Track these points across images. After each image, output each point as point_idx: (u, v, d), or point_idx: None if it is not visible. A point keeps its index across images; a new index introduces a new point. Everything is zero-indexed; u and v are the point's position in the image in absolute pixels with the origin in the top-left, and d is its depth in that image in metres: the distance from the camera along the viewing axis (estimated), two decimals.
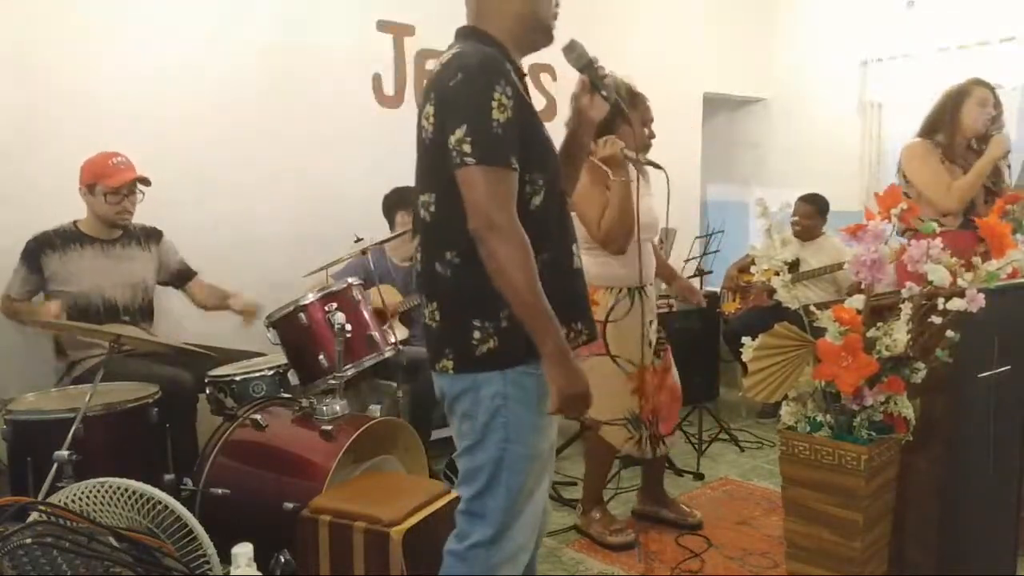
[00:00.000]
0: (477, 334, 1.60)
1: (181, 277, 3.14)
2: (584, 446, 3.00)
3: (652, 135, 2.82)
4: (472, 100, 1.53)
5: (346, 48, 3.76)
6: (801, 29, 5.60)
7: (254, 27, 3.49)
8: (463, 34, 1.71)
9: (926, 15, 4.92)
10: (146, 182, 2.89)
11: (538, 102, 4.32)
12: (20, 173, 2.96)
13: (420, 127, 1.62)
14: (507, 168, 1.53)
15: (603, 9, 4.73)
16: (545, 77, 4.39)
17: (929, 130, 3.07)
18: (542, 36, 1.72)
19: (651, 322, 2.87)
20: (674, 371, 2.99)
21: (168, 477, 2.38)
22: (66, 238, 2.84)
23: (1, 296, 2.83)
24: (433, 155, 1.59)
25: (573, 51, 1.74)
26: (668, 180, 2.49)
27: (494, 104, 1.52)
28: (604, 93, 1.74)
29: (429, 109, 1.59)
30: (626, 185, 2.61)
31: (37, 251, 2.79)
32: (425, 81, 1.71)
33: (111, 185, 2.81)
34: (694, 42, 5.27)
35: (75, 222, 2.89)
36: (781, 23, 5.70)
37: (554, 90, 4.41)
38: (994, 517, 2.35)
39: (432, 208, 1.63)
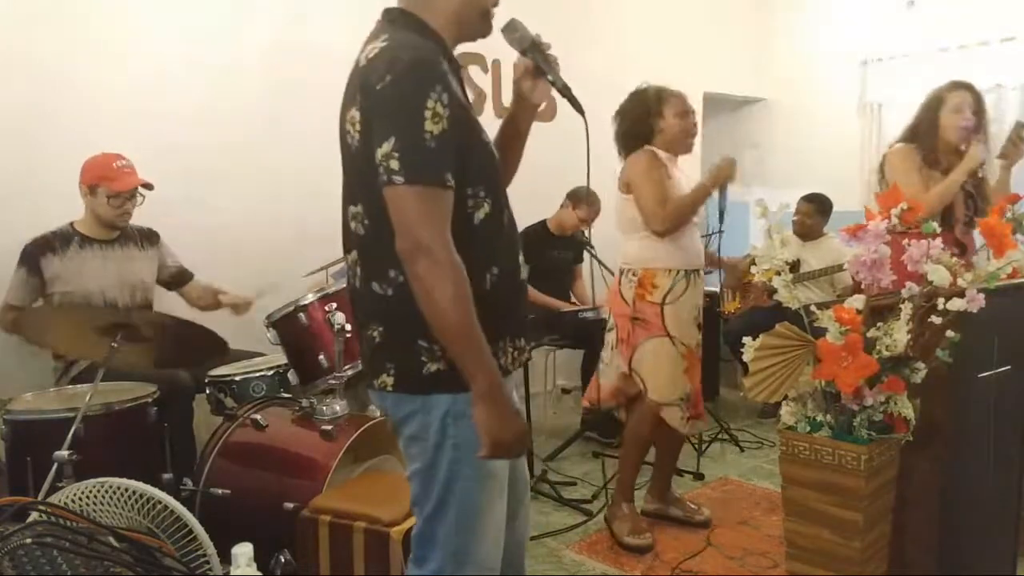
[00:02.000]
0: (425, 355, 1.46)
1: (179, 279, 3.14)
2: (625, 431, 2.99)
3: (694, 125, 2.90)
4: (402, 109, 1.35)
5: (346, 47, 3.74)
6: (801, 29, 5.60)
7: (255, 26, 3.50)
8: (392, 19, 1.51)
9: (926, 15, 4.92)
10: (148, 187, 2.90)
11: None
12: (20, 173, 2.96)
13: (344, 131, 1.47)
14: (440, 187, 1.36)
15: (603, 9, 4.73)
16: None
17: (911, 136, 3.06)
18: (483, 25, 1.55)
19: (700, 305, 2.93)
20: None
21: (166, 476, 2.38)
22: (65, 240, 2.84)
23: (1, 306, 2.81)
24: (360, 165, 1.43)
25: (515, 31, 1.57)
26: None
27: (427, 114, 1.34)
28: (550, 77, 1.57)
29: (355, 114, 1.42)
30: (708, 193, 2.79)
31: (36, 254, 2.79)
32: (349, 73, 1.52)
33: (115, 189, 2.81)
34: (694, 42, 5.27)
35: (72, 223, 2.88)
36: (781, 23, 5.70)
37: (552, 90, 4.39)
38: (994, 517, 2.34)
39: (366, 222, 1.48)
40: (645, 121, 2.84)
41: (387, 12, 1.53)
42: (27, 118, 2.98)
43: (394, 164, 1.34)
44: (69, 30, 3.06)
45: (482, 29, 1.56)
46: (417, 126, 1.34)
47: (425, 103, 1.34)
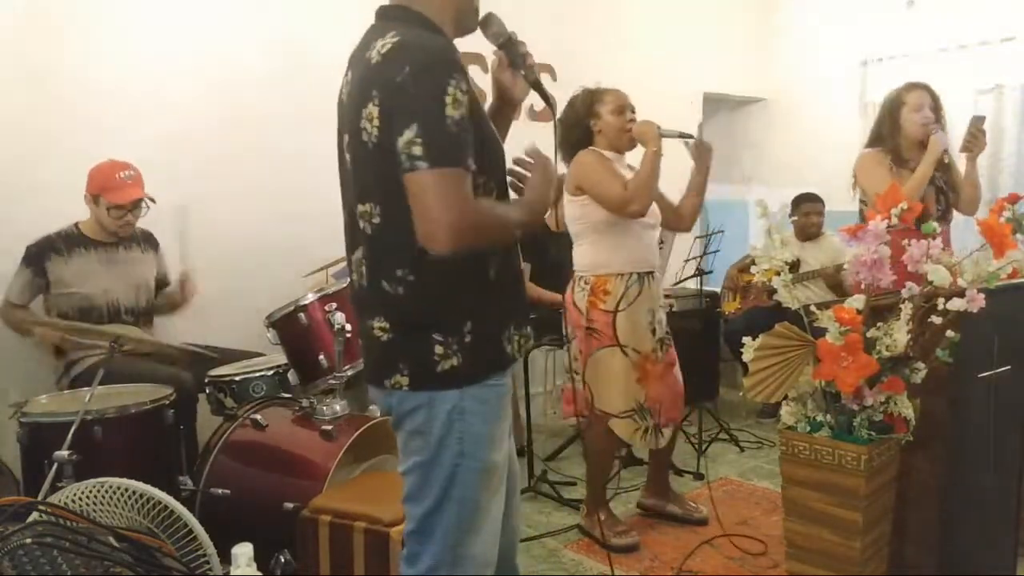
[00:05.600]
0: (439, 349, 1.47)
1: (161, 286, 3.12)
2: (583, 445, 3.00)
3: (631, 120, 2.80)
4: (422, 97, 1.35)
5: (346, 48, 3.75)
6: (801, 29, 5.60)
7: (255, 27, 3.50)
8: (396, 16, 1.52)
9: (926, 15, 4.92)
10: (151, 200, 2.90)
11: (538, 103, 4.36)
12: (21, 175, 2.96)
13: (359, 129, 1.45)
14: (462, 169, 1.37)
15: (603, 9, 4.74)
16: (544, 77, 4.38)
17: (875, 140, 3.17)
18: (473, 19, 1.59)
19: (657, 309, 2.88)
20: (677, 369, 2.98)
21: (182, 479, 2.39)
22: (70, 241, 2.84)
23: (2, 303, 2.81)
24: (378, 161, 1.42)
25: (491, 26, 1.60)
26: (688, 146, 2.74)
27: (448, 100, 1.35)
28: (523, 72, 1.62)
29: (372, 110, 1.41)
30: (658, 156, 2.69)
31: (41, 255, 2.79)
32: (353, 70, 1.56)
33: (115, 201, 2.81)
34: (694, 42, 5.27)
35: (76, 224, 2.88)
36: (781, 23, 5.70)
37: (553, 90, 4.40)
38: (994, 517, 2.34)
39: (376, 220, 1.48)
40: (581, 124, 2.80)
41: (385, 10, 1.54)
42: (28, 119, 2.98)
43: (417, 150, 1.35)
44: (69, 31, 3.05)
45: (471, 25, 1.59)
46: (439, 112, 1.35)
47: (446, 90, 1.35)
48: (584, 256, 2.83)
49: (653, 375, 2.84)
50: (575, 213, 2.81)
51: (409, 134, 1.35)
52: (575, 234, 2.86)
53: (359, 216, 1.52)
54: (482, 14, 1.60)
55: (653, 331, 2.85)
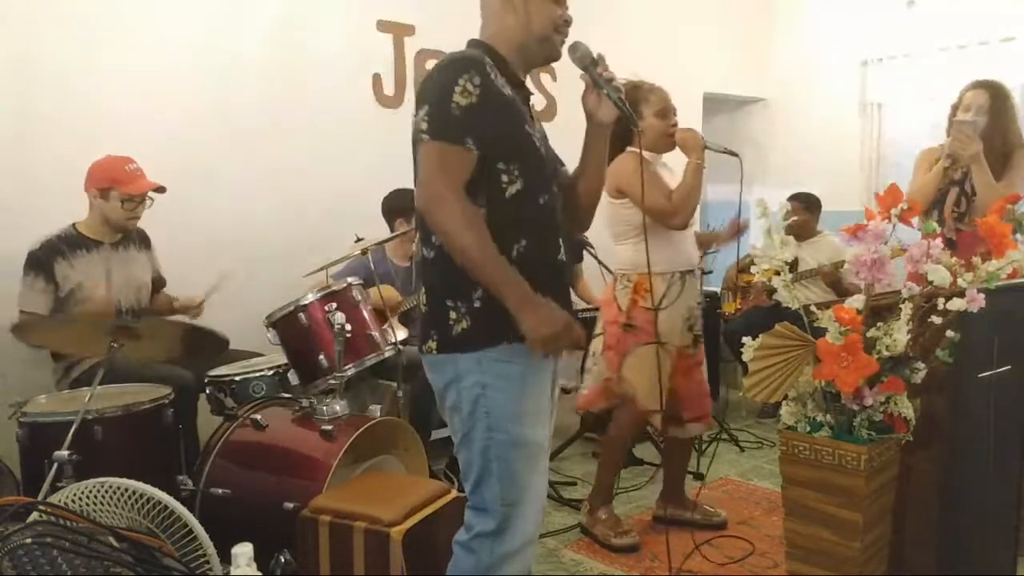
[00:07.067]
0: (453, 315, 1.66)
1: (155, 286, 3.09)
2: (607, 436, 2.98)
3: (674, 124, 2.83)
4: (436, 85, 1.62)
5: (346, 48, 3.76)
6: (801, 29, 5.60)
7: (254, 27, 3.49)
8: (468, 45, 1.78)
9: (926, 15, 4.92)
10: (161, 190, 2.90)
11: (538, 102, 4.36)
12: (19, 176, 2.96)
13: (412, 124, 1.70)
14: (458, 146, 1.59)
15: (603, 9, 4.73)
16: (545, 78, 4.40)
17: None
18: (546, 49, 1.76)
19: (695, 306, 2.92)
20: (704, 368, 3.02)
21: (181, 477, 2.40)
22: (71, 243, 2.81)
23: (24, 316, 2.71)
24: (414, 143, 1.67)
25: (576, 51, 1.77)
26: (742, 165, 2.76)
27: (457, 89, 1.58)
28: (606, 91, 1.75)
29: (415, 107, 1.68)
30: (701, 168, 2.75)
31: (48, 259, 2.74)
32: None
33: (129, 192, 2.80)
34: (694, 42, 5.27)
35: (74, 225, 2.87)
36: (781, 23, 5.70)
37: (553, 90, 4.42)
38: (994, 517, 2.34)
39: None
40: (621, 121, 2.74)
41: (468, 42, 1.80)
42: (22, 120, 2.98)
43: (423, 125, 1.61)
44: (65, 32, 3.05)
45: (546, 52, 1.78)
46: (446, 97, 1.59)
47: (456, 80, 1.59)
48: (626, 255, 2.85)
49: (681, 369, 2.89)
50: (617, 215, 2.82)
51: (421, 113, 1.62)
52: (616, 235, 2.87)
53: (416, 197, 1.70)
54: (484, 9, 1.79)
55: (691, 328, 2.90)
